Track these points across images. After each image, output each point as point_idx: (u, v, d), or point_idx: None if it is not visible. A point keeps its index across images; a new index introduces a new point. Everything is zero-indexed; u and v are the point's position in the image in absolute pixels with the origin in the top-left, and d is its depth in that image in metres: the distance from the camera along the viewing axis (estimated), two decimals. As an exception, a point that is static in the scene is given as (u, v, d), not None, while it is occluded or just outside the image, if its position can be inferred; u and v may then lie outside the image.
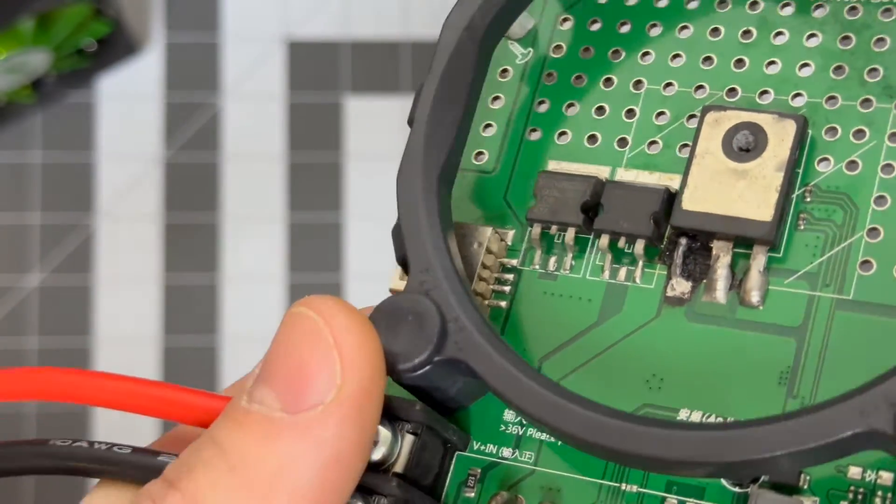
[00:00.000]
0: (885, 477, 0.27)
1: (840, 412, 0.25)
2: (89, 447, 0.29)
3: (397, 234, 0.30)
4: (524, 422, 0.30)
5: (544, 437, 0.30)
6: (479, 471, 0.30)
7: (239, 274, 0.85)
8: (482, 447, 0.31)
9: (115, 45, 0.81)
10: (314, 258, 0.85)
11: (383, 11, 0.86)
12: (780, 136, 0.30)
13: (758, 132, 0.30)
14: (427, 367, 0.28)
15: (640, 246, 0.31)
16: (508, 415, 0.31)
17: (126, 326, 0.84)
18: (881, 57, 0.31)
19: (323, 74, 0.85)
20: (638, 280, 0.31)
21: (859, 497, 0.27)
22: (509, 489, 0.30)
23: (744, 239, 0.30)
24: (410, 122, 0.31)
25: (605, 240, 0.31)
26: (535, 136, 0.33)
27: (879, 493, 0.27)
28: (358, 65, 0.85)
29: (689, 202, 0.30)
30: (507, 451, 0.30)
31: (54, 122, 0.82)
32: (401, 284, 0.32)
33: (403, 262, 0.30)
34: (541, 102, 0.33)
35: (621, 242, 0.31)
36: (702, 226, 0.30)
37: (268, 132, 0.83)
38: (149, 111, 0.81)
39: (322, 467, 0.26)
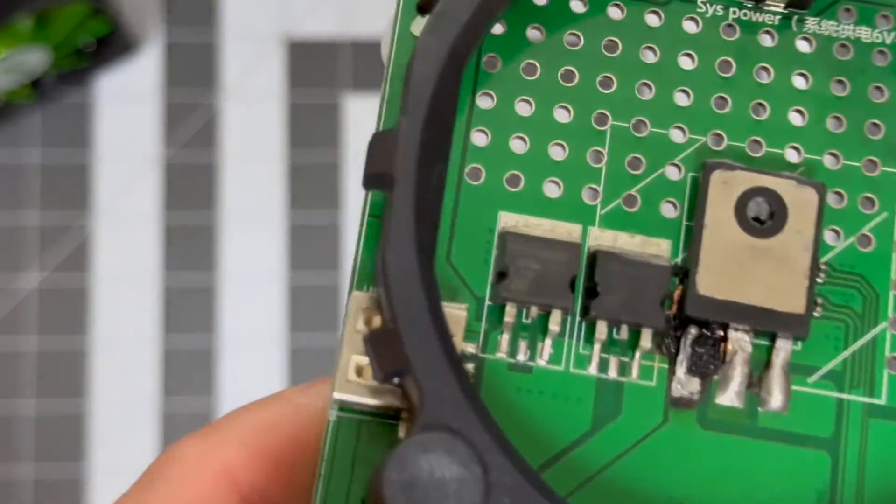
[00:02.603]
0: None
1: None
2: None
3: (388, 341, 0.22)
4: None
5: None
6: None
7: (238, 274, 0.83)
8: None
9: (114, 45, 0.80)
10: (313, 258, 0.84)
11: (383, 11, 0.81)
12: (802, 207, 0.26)
13: (775, 201, 0.26)
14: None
15: (646, 338, 0.25)
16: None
17: (125, 326, 0.83)
18: (881, 109, 0.27)
19: (323, 74, 0.82)
20: (635, 376, 0.25)
21: None
22: None
23: (771, 333, 0.25)
24: (384, 180, 0.23)
25: (602, 328, 0.25)
26: (478, 178, 0.26)
27: None
28: (358, 64, 0.84)
29: (706, 286, 0.25)
30: None
31: (53, 122, 0.81)
32: (356, 389, 0.24)
33: (391, 375, 0.23)
34: (479, 131, 0.26)
35: (623, 333, 0.25)
36: (723, 317, 0.25)
37: (267, 131, 0.81)
38: (148, 110, 0.80)
39: None
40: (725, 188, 0.26)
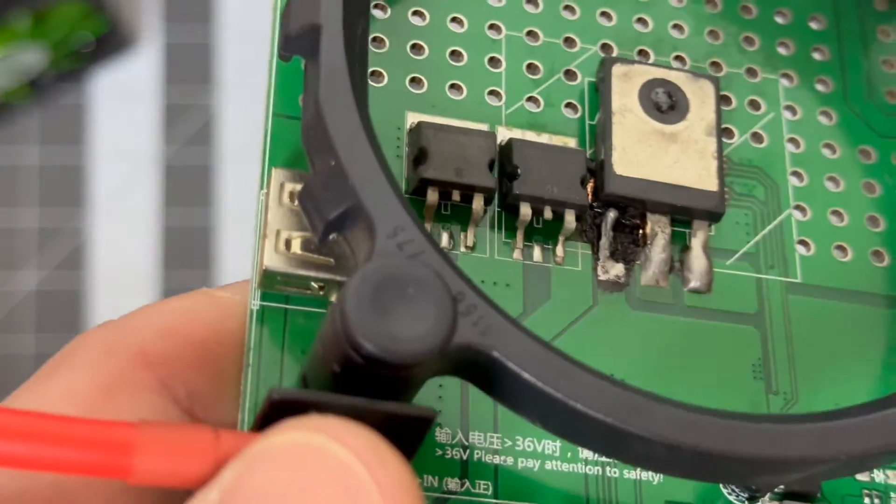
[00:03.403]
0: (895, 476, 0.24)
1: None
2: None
3: (330, 183, 0.21)
4: (466, 444, 0.23)
5: (497, 460, 0.23)
6: (422, 512, 0.22)
7: (236, 274, 0.77)
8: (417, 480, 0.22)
9: (112, 43, 0.79)
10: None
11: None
12: (700, 96, 0.26)
13: (675, 91, 0.26)
14: (434, 358, 0.20)
15: (570, 217, 0.25)
16: (442, 435, 0.23)
17: None
18: (753, 25, 0.28)
19: None
20: (560, 260, 0.25)
21: (875, 500, 0.24)
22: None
23: (687, 211, 0.25)
24: (308, 37, 0.22)
25: (526, 209, 0.24)
26: (378, 81, 0.25)
27: (893, 494, 0.24)
28: (357, 63, 0.83)
29: (621, 167, 0.25)
30: (452, 483, 0.22)
31: (50, 121, 0.79)
32: (283, 261, 0.22)
33: (333, 224, 0.21)
34: (374, 39, 0.26)
35: (547, 214, 0.25)
36: (642, 194, 0.25)
37: None
38: (146, 110, 0.79)
39: None
40: (626, 80, 0.26)
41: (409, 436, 0.20)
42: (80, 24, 0.78)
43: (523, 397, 0.21)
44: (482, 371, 0.20)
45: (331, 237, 0.22)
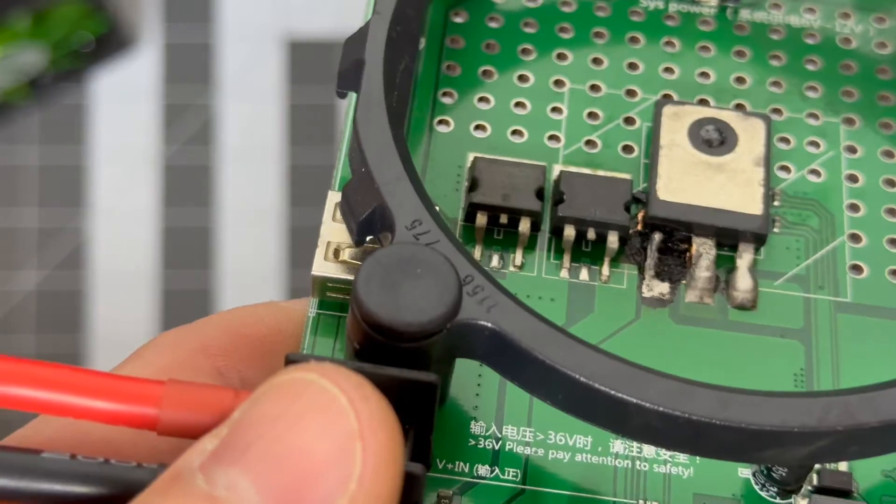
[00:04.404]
0: (940, 480, 0.24)
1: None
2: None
3: (361, 187, 0.24)
4: (499, 436, 0.24)
5: (528, 451, 0.24)
6: (451, 493, 0.24)
7: (237, 274, 0.81)
8: (449, 465, 0.24)
9: (112, 43, 0.80)
10: (313, 257, 0.79)
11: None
12: (750, 132, 0.27)
13: (724, 128, 0.27)
14: (440, 333, 0.22)
15: (613, 238, 0.26)
16: (476, 427, 0.24)
17: (122, 327, 0.81)
18: (814, 76, 0.29)
19: (322, 72, 0.82)
20: (605, 279, 0.26)
21: (917, 503, 0.24)
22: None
23: (731, 233, 0.26)
24: (357, 62, 0.25)
25: (570, 231, 0.26)
26: (445, 128, 0.28)
27: (937, 498, 0.24)
28: (357, 64, 0.87)
29: (665, 192, 0.27)
30: (483, 469, 0.24)
31: (50, 121, 0.79)
32: (331, 268, 0.25)
33: (365, 225, 0.24)
34: (444, 94, 0.28)
35: (590, 234, 0.26)
36: (685, 217, 0.26)
37: (266, 131, 0.79)
38: (146, 110, 0.80)
39: None
40: (676, 118, 0.27)
41: (421, 403, 0.22)
42: (79, 24, 0.78)
43: (526, 370, 0.22)
44: (489, 347, 0.22)
45: (367, 240, 0.24)
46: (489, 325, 0.22)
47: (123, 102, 0.81)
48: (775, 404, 0.21)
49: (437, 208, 0.24)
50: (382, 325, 0.21)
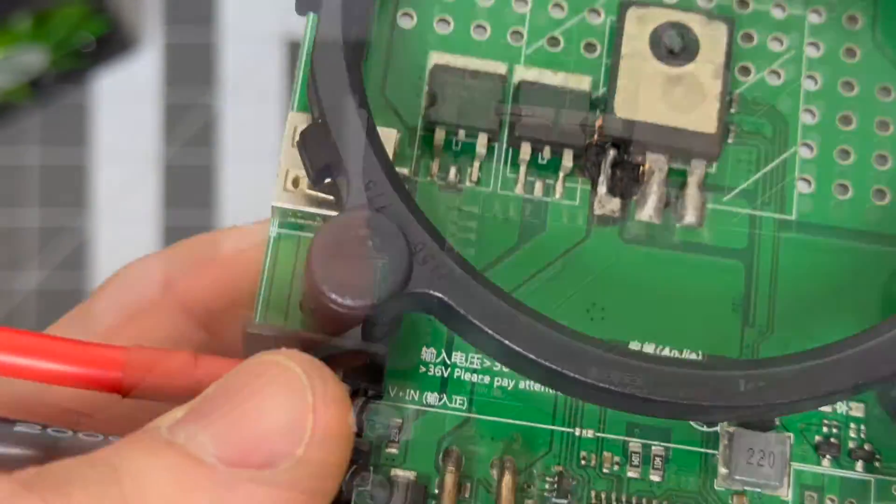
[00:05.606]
0: (857, 408, 0.26)
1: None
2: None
3: (318, 135, 0.24)
4: (448, 362, 0.26)
5: (475, 378, 0.26)
6: (401, 421, 0.25)
7: None
8: (401, 393, 0.26)
9: (113, 44, 0.78)
10: None
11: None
12: (712, 39, 0.27)
13: (687, 33, 0.27)
14: (390, 302, 0.23)
15: (568, 157, 0.27)
16: (427, 354, 0.26)
17: None
18: (787, -40, 0.29)
19: None
20: (559, 195, 0.27)
21: (833, 430, 0.26)
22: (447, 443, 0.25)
23: (682, 152, 0.27)
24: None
25: (526, 149, 0.27)
26: (408, 22, 0.28)
27: (853, 424, 0.26)
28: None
29: (623, 109, 0.27)
30: (431, 397, 0.26)
31: (52, 121, 0.79)
32: (291, 198, 0.25)
33: (322, 172, 0.24)
34: (409, -18, 0.28)
35: (546, 153, 0.27)
36: (639, 136, 0.27)
37: (267, 131, 0.78)
38: (147, 110, 0.79)
39: None
40: (640, 23, 0.27)
41: (372, 368, 0.24)
42: (81, 25, 0.77)
43: (469, 335, 0.24)
44: (437, 311, 0.23)
45: (325, 181, 0.25)
46: (438, 294, 0.23)
47: (125, 103, 0.80)
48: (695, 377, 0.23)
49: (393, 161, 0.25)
50: (335, 302, 0.23)
